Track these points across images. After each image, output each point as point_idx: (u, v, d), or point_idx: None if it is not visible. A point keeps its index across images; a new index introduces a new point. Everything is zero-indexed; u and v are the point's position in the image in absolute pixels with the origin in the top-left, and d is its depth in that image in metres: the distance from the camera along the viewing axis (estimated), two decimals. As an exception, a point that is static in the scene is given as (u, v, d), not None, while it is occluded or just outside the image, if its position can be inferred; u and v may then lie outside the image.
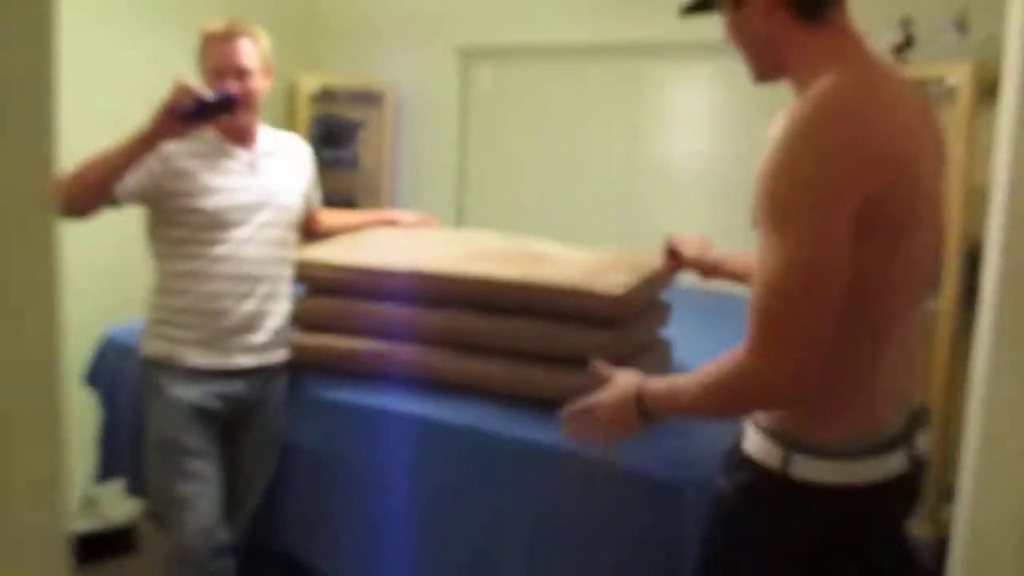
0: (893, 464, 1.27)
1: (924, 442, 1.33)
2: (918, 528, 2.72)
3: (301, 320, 2.19)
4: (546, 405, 1.90)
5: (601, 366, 1.52)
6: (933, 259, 1.37)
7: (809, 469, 1.24)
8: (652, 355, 2.09)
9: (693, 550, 1.48)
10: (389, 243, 2.28)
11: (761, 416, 1.31)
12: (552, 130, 3.65)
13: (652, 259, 2.07)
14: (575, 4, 3.49)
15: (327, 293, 2.18)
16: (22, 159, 0.46)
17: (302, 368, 2.17)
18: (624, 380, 1.44)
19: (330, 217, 2.44)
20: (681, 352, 2.22)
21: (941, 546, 1.98)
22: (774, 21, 1.27)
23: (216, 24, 2.03)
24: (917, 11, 2.82)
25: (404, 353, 2.07)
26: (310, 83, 3.63)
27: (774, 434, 1.28)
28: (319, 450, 2.10)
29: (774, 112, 1.36)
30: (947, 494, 2.56)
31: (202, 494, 1.96)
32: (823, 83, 1.19)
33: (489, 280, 1.98)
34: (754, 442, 1.32)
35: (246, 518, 2.11)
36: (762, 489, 1.30)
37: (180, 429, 1.97)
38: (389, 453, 2.01)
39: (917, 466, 1.32)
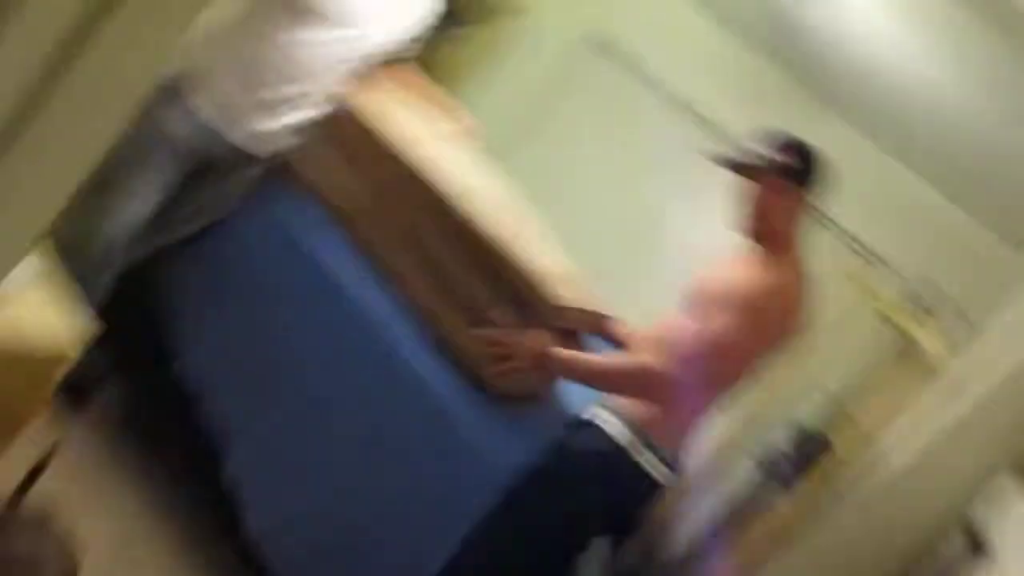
0: None
1: None
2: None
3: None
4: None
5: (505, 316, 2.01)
6: None
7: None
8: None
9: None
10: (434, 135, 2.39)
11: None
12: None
13: (601, 303, 2.26)
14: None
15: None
16: None
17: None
18: (535, 332, 1.98)
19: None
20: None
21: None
22: (790, 210, 1.89)
23: None
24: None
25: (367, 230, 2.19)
26: None
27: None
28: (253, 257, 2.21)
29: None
30: None
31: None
32: (780, 277, 1.86)
33: (472, 220, 2.11)
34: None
35: None
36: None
37: None
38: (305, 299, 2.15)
39: None
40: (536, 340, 1.97)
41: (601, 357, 1.96)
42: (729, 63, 3.50)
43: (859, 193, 2.99)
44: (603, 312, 2.23)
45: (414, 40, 2.43)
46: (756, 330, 1.82)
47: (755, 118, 2.27)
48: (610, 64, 3.69)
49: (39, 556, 1.35)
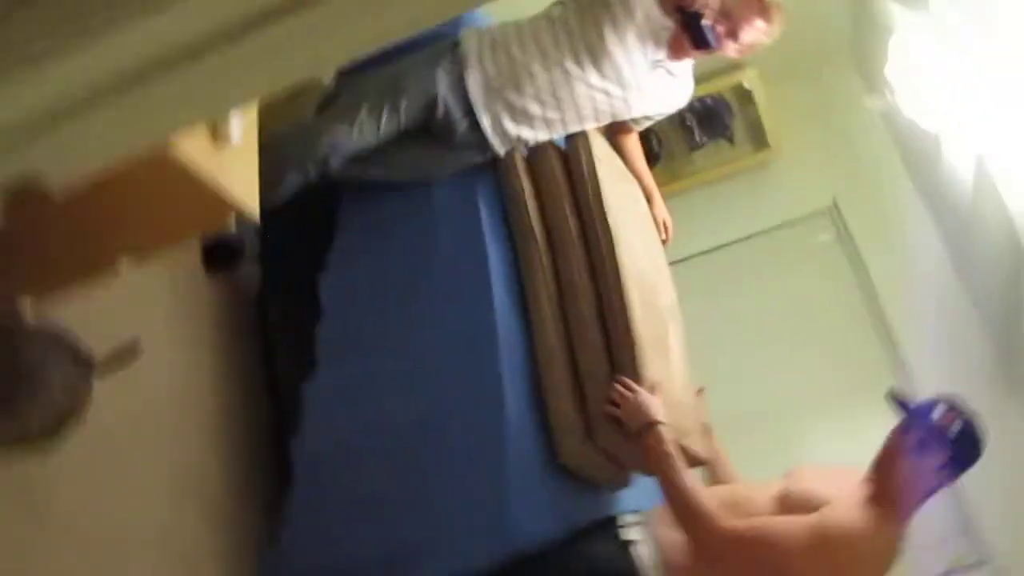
0: None
1: None
2: None
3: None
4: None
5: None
6: None
7: None
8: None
9: None
10: (631, 210, 2.45)
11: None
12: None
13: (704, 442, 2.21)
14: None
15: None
16: None
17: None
18: (658, 404, 1.95)
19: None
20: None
21: None
22: (921, 473, 1.73)
23: None
24: None
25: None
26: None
27: None
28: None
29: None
30: None
31: None
32: (867, 528, 1.68)
33: (625, 308, 2.13)
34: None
35: None
36: None
37: None
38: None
39: None
40: (655, 410, 1.94)
41: (689, 477, 1.84)
42: (952, 317, 3.25)
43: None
44: (697, 451, 2.15)
45: (655, 119, 2.55)
46: (808, 557, 1.66)
47: (950, 383, 2.12)
48: (831, 243, 3.63)
49: (46, 372, 1.34)
